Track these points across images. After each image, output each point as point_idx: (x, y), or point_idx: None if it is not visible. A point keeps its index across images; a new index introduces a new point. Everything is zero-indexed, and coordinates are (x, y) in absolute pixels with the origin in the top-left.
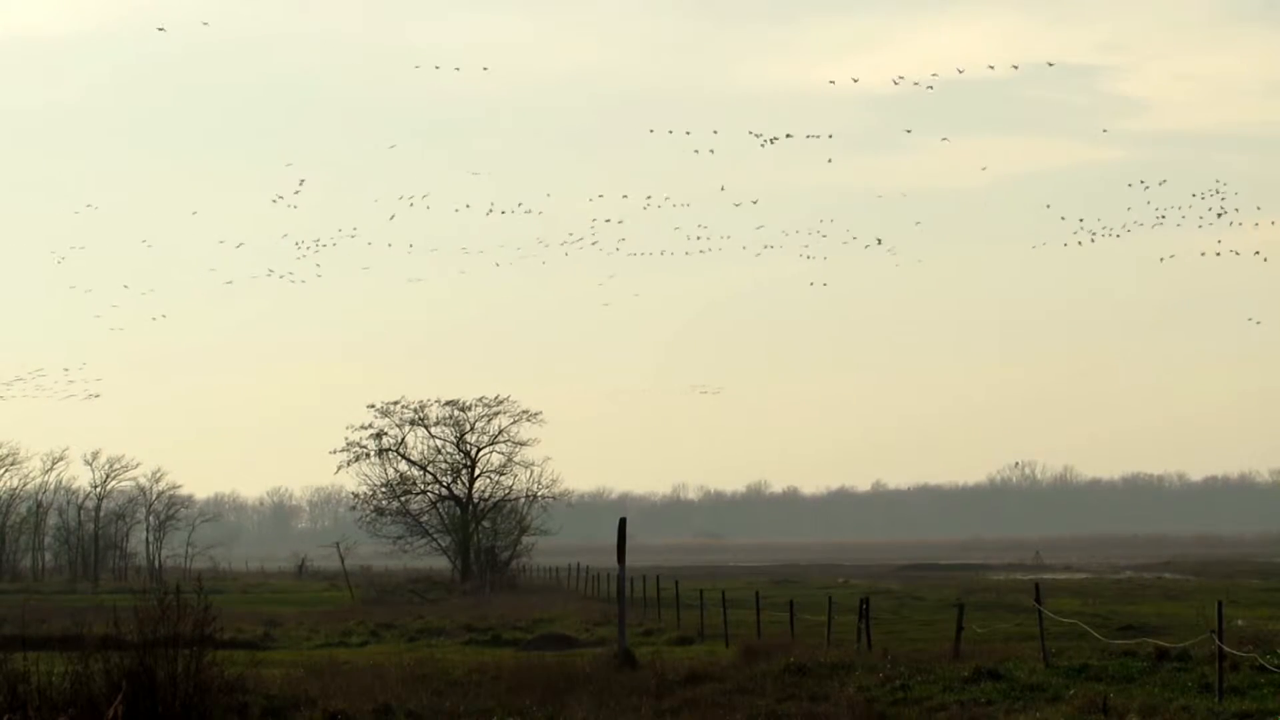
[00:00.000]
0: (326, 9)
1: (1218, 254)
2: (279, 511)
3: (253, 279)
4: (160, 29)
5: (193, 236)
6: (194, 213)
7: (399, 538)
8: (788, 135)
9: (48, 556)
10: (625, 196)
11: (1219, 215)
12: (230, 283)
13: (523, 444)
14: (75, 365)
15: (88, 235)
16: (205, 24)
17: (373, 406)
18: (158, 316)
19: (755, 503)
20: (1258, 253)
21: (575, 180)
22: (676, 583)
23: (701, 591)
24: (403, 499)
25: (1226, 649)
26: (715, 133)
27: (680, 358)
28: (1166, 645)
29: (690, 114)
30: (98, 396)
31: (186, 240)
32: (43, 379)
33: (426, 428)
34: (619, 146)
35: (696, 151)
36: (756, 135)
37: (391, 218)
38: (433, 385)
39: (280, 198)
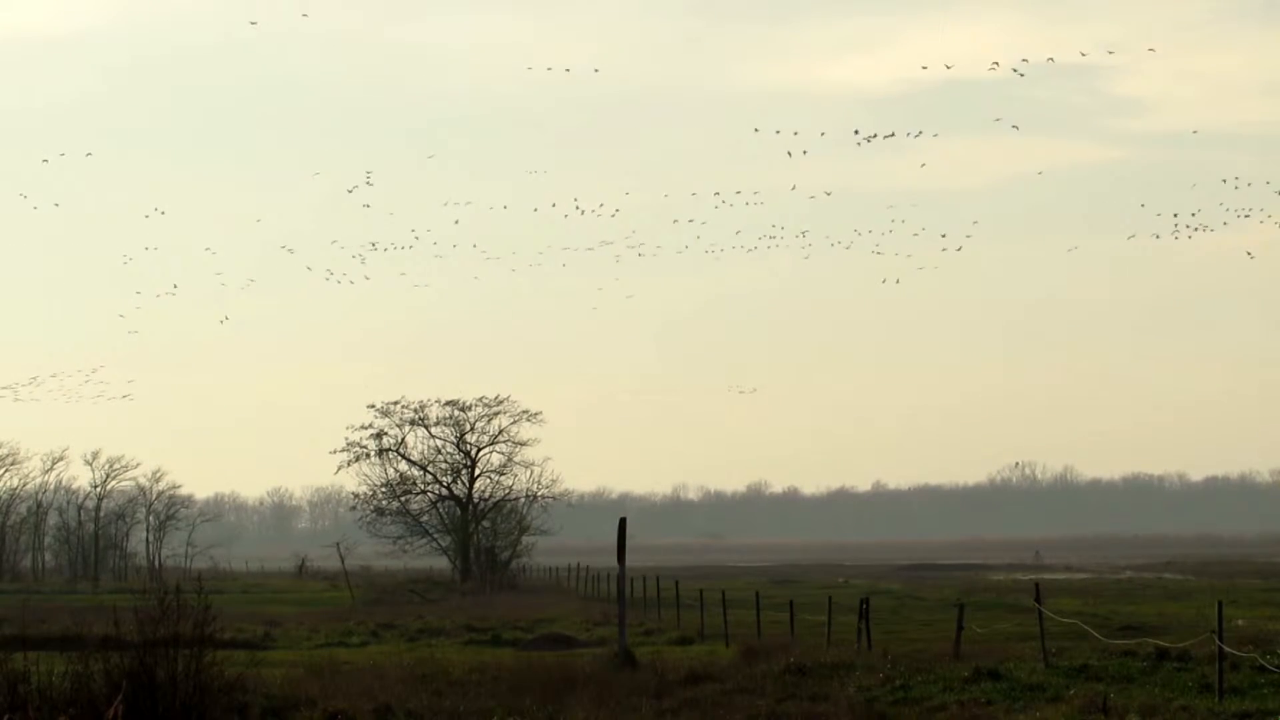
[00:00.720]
0: (340, 8)
1: (1221, 255)
2: (279, 511)
3: (252, 281)
4: (253, 23)
5: (254, 240)
6: (258, 220)
7: (399, 538)
8: (890, 134)
9: (48, 556)
10: (628, 194)
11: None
12: (224, 285)
13: (523, 444)
14: (88, 367)
15: (158, 238)
16: (304, 15)
17: (373, 406)
18: (174, 319)
19: (755, 503)
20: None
21: (589, 182)
22: (676, 583)
23: (701, 591)
24: (403, 499)
25: (1227, 649)
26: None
27: (679, 359)
28: (1167, 645)
29: (693, 113)
30: (128, 397)
31: (249, 244)
32: (67, 380)
33: (426, 428)
34: (627, 145)
35: (692, 152)
36: (856, 132)
37: (456, 222)
38: (433, 385)
39: (355, 187)
